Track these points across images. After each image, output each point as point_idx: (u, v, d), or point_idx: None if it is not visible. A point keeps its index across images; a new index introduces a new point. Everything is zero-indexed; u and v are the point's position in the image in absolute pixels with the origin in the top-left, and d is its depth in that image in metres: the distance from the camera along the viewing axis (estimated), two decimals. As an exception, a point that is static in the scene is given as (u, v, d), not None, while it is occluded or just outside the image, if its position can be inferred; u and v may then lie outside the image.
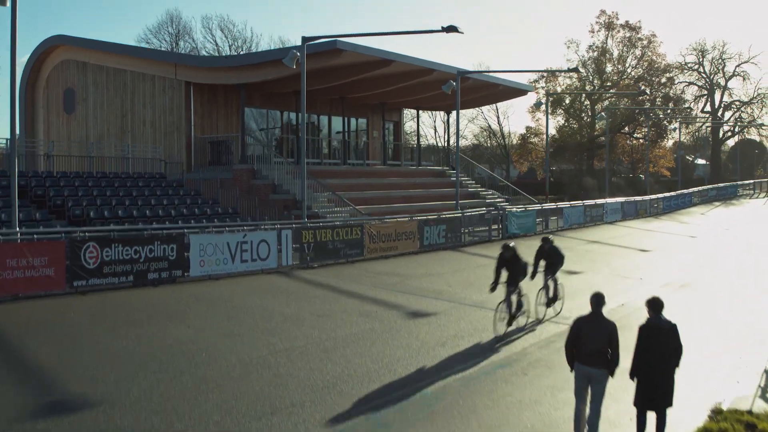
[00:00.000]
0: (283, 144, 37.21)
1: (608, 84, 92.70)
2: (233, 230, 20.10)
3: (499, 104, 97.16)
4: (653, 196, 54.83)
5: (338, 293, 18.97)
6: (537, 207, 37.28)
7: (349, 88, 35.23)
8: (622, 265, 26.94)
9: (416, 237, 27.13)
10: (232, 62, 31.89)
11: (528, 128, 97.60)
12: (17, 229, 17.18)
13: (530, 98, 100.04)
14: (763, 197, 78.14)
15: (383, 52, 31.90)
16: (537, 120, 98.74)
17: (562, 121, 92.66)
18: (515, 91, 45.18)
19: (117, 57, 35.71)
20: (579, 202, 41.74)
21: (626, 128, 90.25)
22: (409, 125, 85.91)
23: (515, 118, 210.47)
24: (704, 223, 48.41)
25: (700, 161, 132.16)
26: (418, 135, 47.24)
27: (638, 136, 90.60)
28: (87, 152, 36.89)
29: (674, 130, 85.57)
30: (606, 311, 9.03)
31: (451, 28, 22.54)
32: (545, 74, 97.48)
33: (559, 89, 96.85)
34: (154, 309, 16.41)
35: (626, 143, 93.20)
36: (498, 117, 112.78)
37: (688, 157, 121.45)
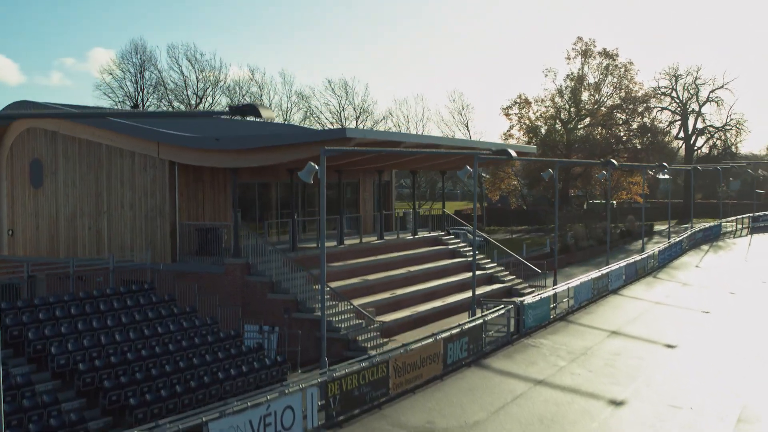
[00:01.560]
0: (276, 225, 34.14)
1: (583, 112, 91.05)
2: (257, 403, 17.05)
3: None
4: (648, 252, 52.77)
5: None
6: (550, 292, 34.72)
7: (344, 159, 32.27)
8: (662, 380, 24.67)
9: (440, 358, 24.38)
10: (225, 145, 28.72)
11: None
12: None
13: (503, 124, 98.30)
14: (746, 234, 76.94)
15: (391, 134, 29.14)
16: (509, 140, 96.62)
17: (538, 151, 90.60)
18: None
19: (91, 128, 32.27)
20: (586, 277, 39.31)
21: (602, 159, 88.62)
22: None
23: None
24: (705, 282, 46.64)
25: (664, 176, 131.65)
26: (415, 199, 44.31)
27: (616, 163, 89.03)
28: (56, 232, 33.65)
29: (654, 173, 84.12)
30: None
31: (502, 151, 19.77)
32: (518, 102, 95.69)
33: (533, 116, 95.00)
34: None
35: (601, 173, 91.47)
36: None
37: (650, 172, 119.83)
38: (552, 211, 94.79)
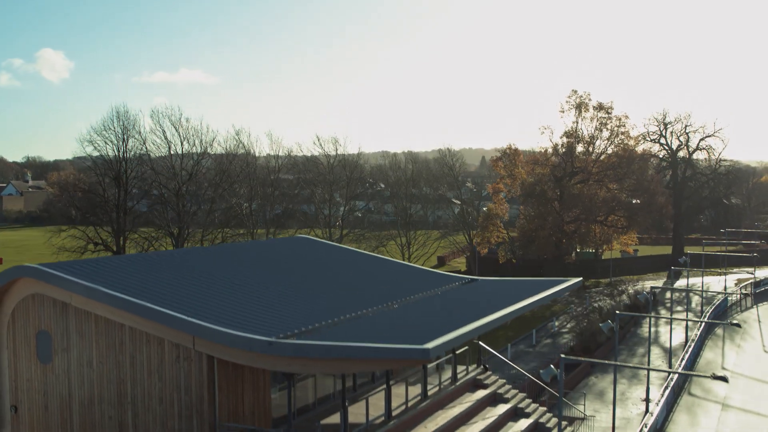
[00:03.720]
0: None
1: (578, 166, 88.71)
2: None
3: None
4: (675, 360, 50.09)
5: None
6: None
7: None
8: None
9: None
10: (281, 351, 25.05)
11: (489, 210, 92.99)
12: None
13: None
14: (751, 306, 75.02)
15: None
16: (499, 197, 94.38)
17: (532, 212, 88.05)
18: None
19: (110, 306, 28.31)
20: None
21: (600, 216, 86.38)
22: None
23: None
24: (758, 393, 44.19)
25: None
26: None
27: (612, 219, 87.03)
28: (69, 416, 29.64)
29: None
30: None
31: None
32: (508, 152, 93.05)
33: (523, 171, 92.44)
34: None
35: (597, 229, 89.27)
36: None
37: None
38: (543, 265, 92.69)
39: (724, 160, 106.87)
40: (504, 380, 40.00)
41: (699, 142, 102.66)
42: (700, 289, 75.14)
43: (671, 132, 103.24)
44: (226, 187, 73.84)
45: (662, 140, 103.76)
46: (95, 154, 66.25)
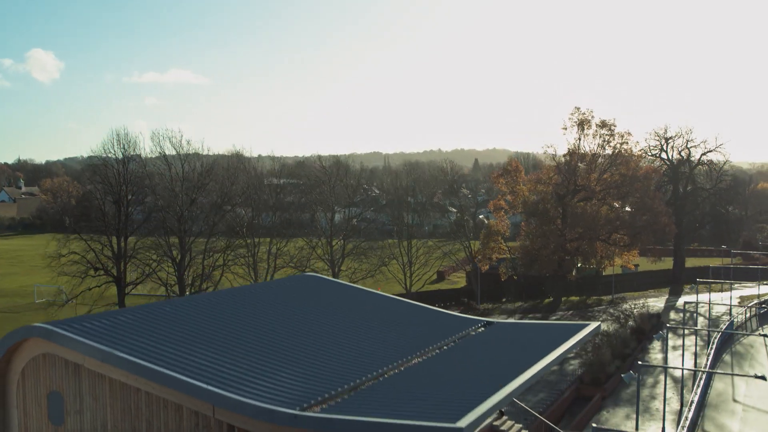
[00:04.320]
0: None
1: (580, 185, 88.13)
2: None
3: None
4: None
5: None
6: None
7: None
8: None
9: None
10: (306, 425, 24.31)
11: (490, 227, 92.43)
12: None
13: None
14: (757, 329, 74.57)
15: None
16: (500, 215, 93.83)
17: (536, 231, 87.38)
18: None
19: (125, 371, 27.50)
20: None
21: (603, 234, 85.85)
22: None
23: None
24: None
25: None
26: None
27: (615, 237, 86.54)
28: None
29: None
30: None
31: None
32: (509, 169, 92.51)
33: (525, 189, 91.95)
34: None
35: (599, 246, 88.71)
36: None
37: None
38: (545, 281, 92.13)
39: (726, 175, 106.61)
40: (521, 425, 39.25)
41: (700, 157, 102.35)
42: (706, 305, 74.99)
43: (672, 146, 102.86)
44: (229, 209, 73.09)
45: (663, 155, 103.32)
46: (97, 180, 65.40)
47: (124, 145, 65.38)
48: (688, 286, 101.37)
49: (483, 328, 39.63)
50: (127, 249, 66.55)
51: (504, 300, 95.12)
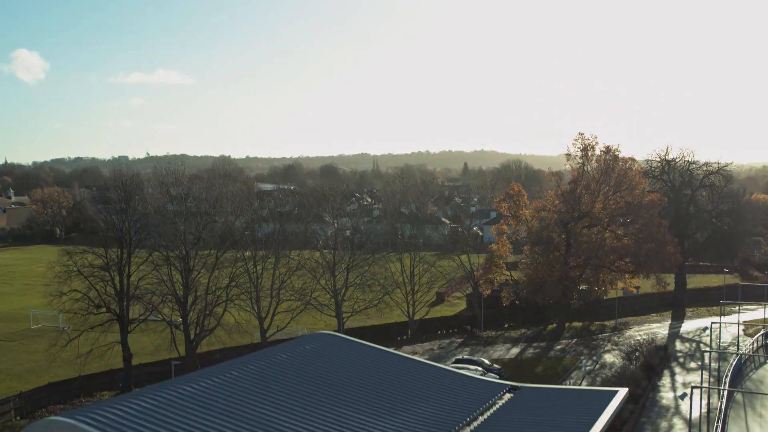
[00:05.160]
0: None
1: (584, 212, 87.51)
2: None
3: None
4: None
5: None
6: None
7: None
8: None
9: None
10: None
11: (492, 251, 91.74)
12: None
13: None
14: (765, 361, 74.03)
15: None
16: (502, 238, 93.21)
17: (540, 259, 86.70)
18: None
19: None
20: None
21: (607, 261, 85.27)
22: None
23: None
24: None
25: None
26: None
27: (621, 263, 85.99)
28: None
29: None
30: None
31: None
32: (512, 194, 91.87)
33: (528, 213, 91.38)
34: None
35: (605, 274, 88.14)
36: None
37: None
38: (548, 306, 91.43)
39: (728, 196, 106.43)
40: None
41: (702, 179, 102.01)
42: (709, 333, 74.38)
43: (673, 168, 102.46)
44: (229, 245, 72.14)
45: (665, 176, 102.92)
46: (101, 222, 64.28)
47: (125, 184, 64.21)
48: (690, 310, 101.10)
49: (509, 394, 38.73)
50: (130, 286, 65.44)
51: (506, 326, 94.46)
